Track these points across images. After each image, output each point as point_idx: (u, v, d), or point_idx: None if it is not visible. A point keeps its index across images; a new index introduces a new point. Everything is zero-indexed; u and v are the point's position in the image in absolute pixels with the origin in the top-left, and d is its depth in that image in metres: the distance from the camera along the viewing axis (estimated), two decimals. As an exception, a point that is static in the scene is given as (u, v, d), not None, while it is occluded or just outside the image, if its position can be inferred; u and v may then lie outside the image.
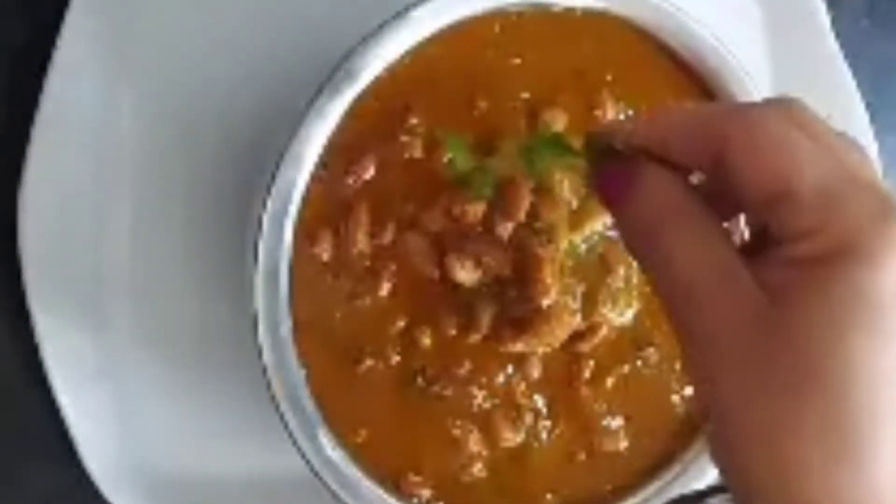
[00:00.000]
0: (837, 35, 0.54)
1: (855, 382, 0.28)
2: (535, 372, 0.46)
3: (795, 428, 0.28)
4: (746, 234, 0.35)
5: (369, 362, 0.45)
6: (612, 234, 0.45)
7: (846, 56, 0.54)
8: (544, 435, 0.46)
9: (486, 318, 0.45)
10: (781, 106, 0.31)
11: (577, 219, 0.45)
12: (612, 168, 0.33)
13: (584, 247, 0.44)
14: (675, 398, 0.48)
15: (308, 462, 0.44)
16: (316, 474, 0.44)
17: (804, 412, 0.28)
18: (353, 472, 0.45)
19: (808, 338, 0.28)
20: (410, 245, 0.45)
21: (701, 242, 0.31)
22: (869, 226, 0.28)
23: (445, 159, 0.44)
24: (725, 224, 0.33)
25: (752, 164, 0.30)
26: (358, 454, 0.45)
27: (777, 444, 0.28)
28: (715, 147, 0.30)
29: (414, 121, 0.44)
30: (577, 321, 0.45)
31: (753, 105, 0.32)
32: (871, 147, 0.55)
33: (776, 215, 0.30)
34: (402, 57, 0.44)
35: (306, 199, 0.44)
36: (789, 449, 0.28)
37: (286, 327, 0.44)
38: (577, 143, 0.36)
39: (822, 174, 0.29)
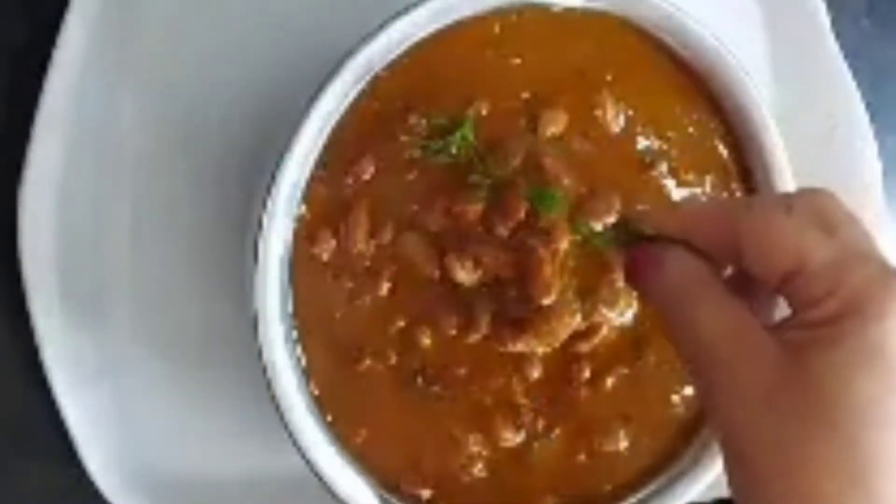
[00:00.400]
0: (837, 35, 0.54)
1: (864, 425, 0.32)
2: (535, 372, 0.46)
3: (812, 467, 0.32)
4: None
5: (369, 362, 0.45)
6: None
7: (846, 56, 0.54)
8: (544, 435, 0.46)
9: (485, 318, 0.45)
10: (790, 199, 0.36)
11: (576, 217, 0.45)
12: (641, 249, 0.39)
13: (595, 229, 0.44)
14: (675, 398, 0.48)
15: (308, 462, 0.44)
16: (316, 474, 0.44)
17: (819, 453, 0.32)
18: (353, 472, 0.45)
19: (822, 387, 0.33)
20: (410, 245, 0.45)
21: (721, 308, 0.36)
22: (872, 289, 0.33)
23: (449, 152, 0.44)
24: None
25: (764, 255, 0.35)
26: (358, 454, 0.46)
27: (796, 481, 0.32)
28: (732, 240, 0.36)
29: (414, 121, 0.44)
30: (577, 321, 0.44)
31: (762, 200, 0.39)
32: (871, 147, 0.55)
33: (789, 290, 0.35)
34: (402, 57, 0.44)
35: (306, 199, 0.44)
36: (807, 485, 0.32)
37: (286, 327, 0.44)
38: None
39: (829, 254, 0.34)
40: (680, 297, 0.37)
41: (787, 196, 0.37)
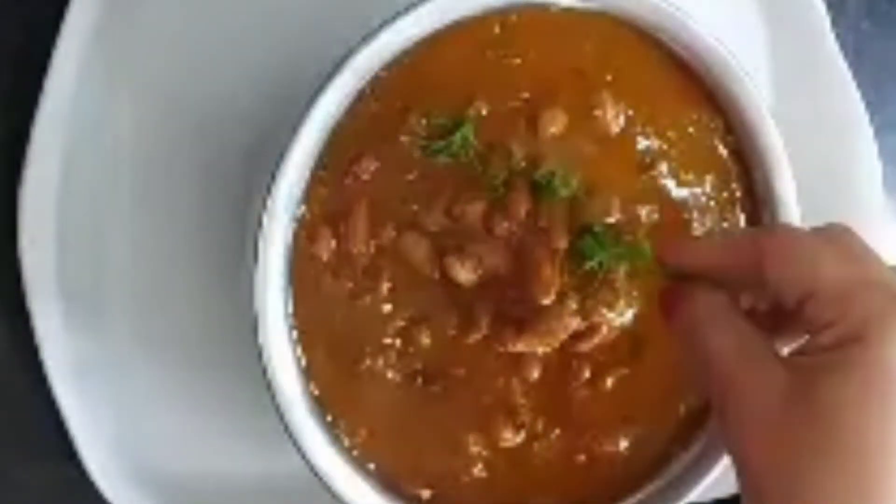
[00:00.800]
0: (837, 35, 0.54)
1: (870, 447, 0.33)
2: (535, 372, 0.46)
3: (822, 489, 0.33)
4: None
5: (369, 362, 0.45)
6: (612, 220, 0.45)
7: (846, 56, 0.54)
8: (544, 435, 0.46)
9: (485, 319, 0.45)
10: (813, 228, 0.38)
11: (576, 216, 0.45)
12: (671, 286, 0.41)
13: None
14: (675, 399, 0.48)
15: (308, 462, 0.44)
16: (316, 474, 0.44)
17: (828, 475, 0.33)
18: (353, 472, 0.45)
19: (825, 415, 0.34)
20: (410, 245, 0.45)
21: (738, 339, 0.38)
22: (877, 315, 0.34)
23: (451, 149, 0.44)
24: None
25: (783, 276, 0.37)
26: (358, 454, 0.46)
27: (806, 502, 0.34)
28: (756, 265, 0.37)
29: (414, 121, 0.44)
30: (577, 321, 0.45)
31: (785, 225, 0.41)
32: (871, 147, 0.55)
33: (804, 314, 0.36)
34: (402, 57, 0.44)
35: (306, 199, 0.44)
36: None
37: (286, 327, 0.44)
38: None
39: (840, 278, 0.35)
40: (701, 329, 0.39)
41: (812, 227, 0.39)
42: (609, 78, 0.46)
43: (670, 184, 0.47)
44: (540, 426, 0.46)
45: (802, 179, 0.47)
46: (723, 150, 0.48)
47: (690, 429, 0.48)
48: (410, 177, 0.45)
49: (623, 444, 0.47)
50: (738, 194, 0.48)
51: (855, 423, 0.33)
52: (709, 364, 0.38)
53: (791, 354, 0.39)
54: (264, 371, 0.44)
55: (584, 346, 0.46)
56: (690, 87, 0.47)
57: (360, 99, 0.44)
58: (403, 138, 0.45)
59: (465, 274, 0.44)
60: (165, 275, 0.51)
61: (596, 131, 0.46)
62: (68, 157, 0.49)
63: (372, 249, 0.45)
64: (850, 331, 0.35)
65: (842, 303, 0.35)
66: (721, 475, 0.47)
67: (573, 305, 0.45)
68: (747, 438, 0.36)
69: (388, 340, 0.45)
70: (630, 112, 0.46)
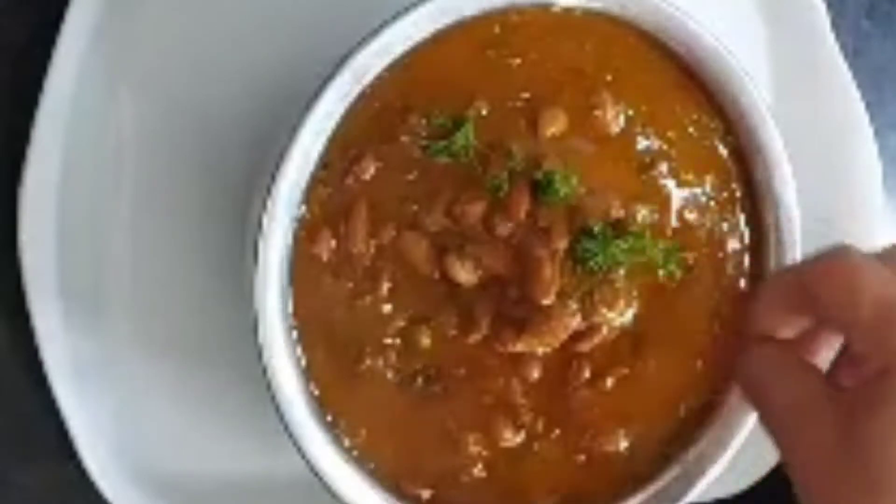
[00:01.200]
0: (837, 35, 0.54)
1: None
2: (535, 372, 0.46)
3: None
4: None
5: (369, 362, 0.45)
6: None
7: (846, 56, 0.54)
8: (544, 435, 0.46)
9: (485, 319, 0.45)
10: (856, 254, 0.37)
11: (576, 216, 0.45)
12: (733, 340, 0.43)
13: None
14: (675, 399, 0.48)
15: (308, 462, 0.44)
16: (316, 474, 0.44)
17: None
18: (352, 472, 0.45)
19: (866, 452, 0.34)
20: (410, 245, 0.45)
21: (789, 383, 0.38)
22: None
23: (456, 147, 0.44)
24: None
25: (826, 304, 0.36)
26: (358, 454, 0.46)
27: None
28: (807, 300, 0.38)
29: (414, 121, 0.44)
30: (577, 321, 0.44)
31: (829, 253, 0.39)
32: (871, 147, 0.55)
33: (850, 342, 0.37)
34: (402, 57, 0.44)
35: (307, 200, 0.44)
36: None
37: (286, 327, 0.44)
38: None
39: (878, 304, 0.35)
40: (753, 387, 0.41)
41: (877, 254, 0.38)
42: (609, 78, 0.46)
43: (670, 184, 0.47)
44: (540, 426, 0.46)
45: (802, 179, 0.47)
46: (723, 150, 0.48)
47: (690, 429, 0.48)
48: (411, 177, 0.45)
49: (623, 444, 0.47)
50: (738, 194, 0.48)
51: (893, 462, 0.33)
52: (764, 418, 0.40)
53: (843, 388, 0.38)
54: (264, 371, 0.44)
55: (584, 346, 0.46)
56: (690, 87, 0.47)
57: (361, 99, 0.44)
58: (404, 138, 0.45)
59: (465, 274, 0.44)
60: (166, 275, 0.51)
61: (596, 131, 0.46)
62: (68, 157, 0.49)
63: (372, 250, 0.45)
64: (888, 360, 0.34)
65: (881, 331, 0.34)
66: (721, 476, 0.47)
67: (573, 305, 0.45)
68: (810, 482, 0.36)
69: (388, 340, 0.45)
70: (630, 112, 0.46)
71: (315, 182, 0.44)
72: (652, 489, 0.47)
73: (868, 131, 0.55)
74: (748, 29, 0.54)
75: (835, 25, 0.54)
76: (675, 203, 0.47)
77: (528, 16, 0.45)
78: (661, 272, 0.46)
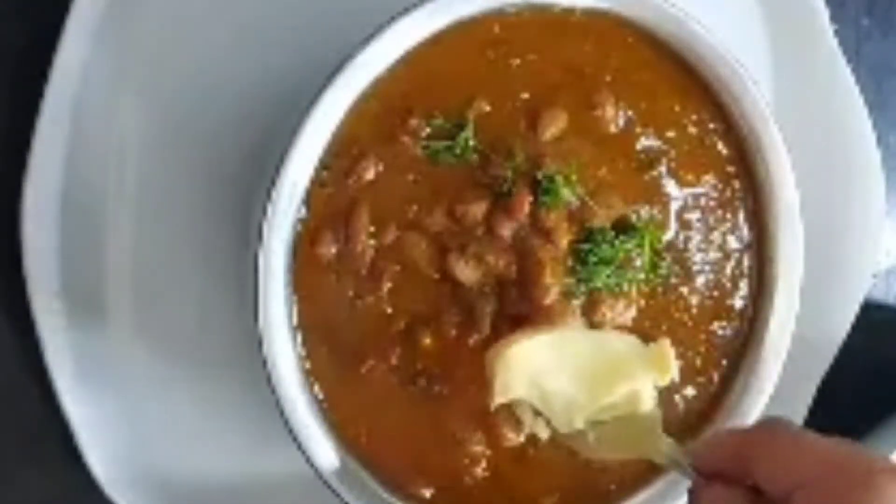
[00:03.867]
0: (837, 34, 0.54)
1: None
2: (536, 372, 0.46)
3: None
4: None
5: (371, 363, 0.45)
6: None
7: (846, 55, 0.54)
8: (545, 435, 0.46)
9: (486, 319, 0.45)
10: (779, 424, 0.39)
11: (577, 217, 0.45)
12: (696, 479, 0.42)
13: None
14: (676, 399, 0.48)
15: (309, 462, 0.44)
16: (317, 474, 0.44)
17: None
18: (354, 471, 0.45)
19: None
20: (412, 245, 0.45)
21: None
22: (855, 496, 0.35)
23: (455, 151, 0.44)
24: None
25: (767, 475, 0.38)
26: (359, 454, 0.46)
27: None
28: (747, 464, 0.38)
29: (414, 121, 0.45)
30: (577, 321, 0.45)
31: (766, 422, 0.40)
32: (872, 147, 0.55)
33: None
34: (403, 57, 0.44)
35: (308, 201, 0.44)
36: None
37: (288, 328, 0.44)
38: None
39: (821, 468, 0.36)
40: None
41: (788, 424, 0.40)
42: (609, 78, 0.46)
43: (670, 184, 0.47)
44: (541, 426, 0.46)
45: (802, 179, 0.47)
46: (723, 150, 0.48)
47: (691, 430, 0.48)
48: (412, 177, 0.45)
49: (624, 443, 0.47)
50: (738, 194, 0.48)
51: None
52: None
53: None
54: (267, 372, 0.44)
55: (585, 346, 0.46)
56: (690, 87, 0.47)
57: (361, 100, 0.44)
58: (405, 139, 0.45)
59: (467, 273, 0.44)
60: (167, 275, 0.51)
61: (596, 131, 0.46)
62: (69, 157, 0.49)
63: (374, 250, 0.45)
64: None
65: (826, 493, 0.36)
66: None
67: (573, 305, 0.45)
68: None
69: (389, 341, 0.45)
70: (630, 112, 0.46)
71: (317, 184, 0.44)
72: (652, 489, 0.47)
73: (868, 131, 0.55)
74: (748, 29, 0.54)
75: (835, 24, 0.54)
76: (676, 202, 0.47)
77: (528, 16, 0.45)
78: (661, 272, 0.46)
